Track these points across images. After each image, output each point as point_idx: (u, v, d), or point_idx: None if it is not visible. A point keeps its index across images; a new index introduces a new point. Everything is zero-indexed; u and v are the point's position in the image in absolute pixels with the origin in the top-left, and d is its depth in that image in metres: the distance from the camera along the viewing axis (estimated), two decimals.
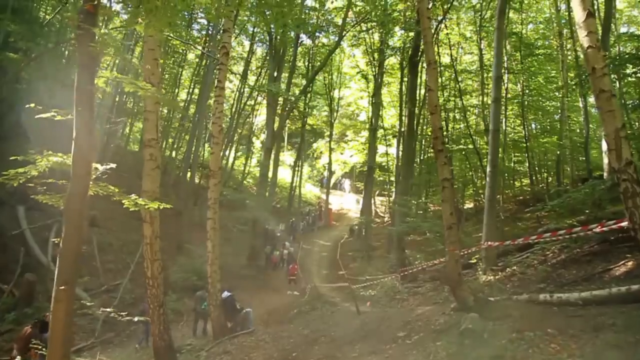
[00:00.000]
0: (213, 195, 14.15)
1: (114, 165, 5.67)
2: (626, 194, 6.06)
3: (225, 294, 14.58)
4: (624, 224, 8.31)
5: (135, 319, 12.01)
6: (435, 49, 29.02)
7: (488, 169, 14.58)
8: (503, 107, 28.80)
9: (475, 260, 14.68)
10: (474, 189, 30.61)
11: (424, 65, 29.31)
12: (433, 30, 24.06)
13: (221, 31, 16.87)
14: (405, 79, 30.02)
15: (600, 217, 12.04)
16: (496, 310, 7.77)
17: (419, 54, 21.52)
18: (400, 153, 30.37)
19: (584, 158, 28.28)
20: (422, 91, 30.34)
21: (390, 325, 9.91)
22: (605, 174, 20.66)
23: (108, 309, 13.54)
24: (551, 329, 6.49)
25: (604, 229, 8.11)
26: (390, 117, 38.28)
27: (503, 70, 21.81)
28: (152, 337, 10.10)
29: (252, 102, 39.09)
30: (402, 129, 30.53)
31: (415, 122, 25.17)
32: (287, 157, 46.90)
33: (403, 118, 30.51)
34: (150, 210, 9.82)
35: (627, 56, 14.67)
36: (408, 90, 24.23)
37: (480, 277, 13.51)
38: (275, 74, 26.28)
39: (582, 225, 11.13)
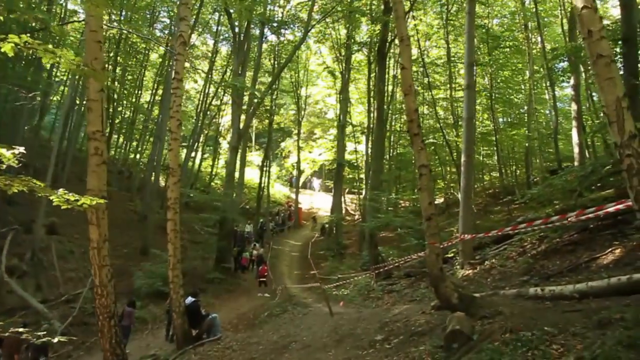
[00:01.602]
0: (173, 195, 13.02)
1: (22, 149, 4.56)
2: (630, 171, 5.24)
3: (189, 299, 13.48)
4: (621, 206, 7.62)
5: None
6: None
7: (463, 159, 13.83)
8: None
9: (452, 255, 13.91)
10: (444, 183, 30.07)
11: (393, 57, 29.56)
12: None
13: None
14: (373, 75, 29.49)
15: (580, 205, 11.36)
16: (483, 307, 6.91)
17: (387, 45, 20.79)
18: (370, 149, 29.80)
19: (552, 150, 28.05)
20: (390, 87, 29.94)
21: (367, 327, 9.01)
22: (576, 164, 20.28)
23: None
24: (549, 327, 5.66)
25: (600, 213, 7.31)
26: (359, 113, 37.67)
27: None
28: (103, 352, 8.94)
29: (218, 102, 37.90)
30: (371, 125, 29.89)
31: (384, 115, 24.35)
32: (255, 157, 45.75)
33: (372, 114, 29.90)
34: (97, 211, 8.75)
35: None
36: (377, 83, 23.44)
37: (457, 271, 12.74)
38: (240, 70, 25.17)
39: (559, 215, 10.48)
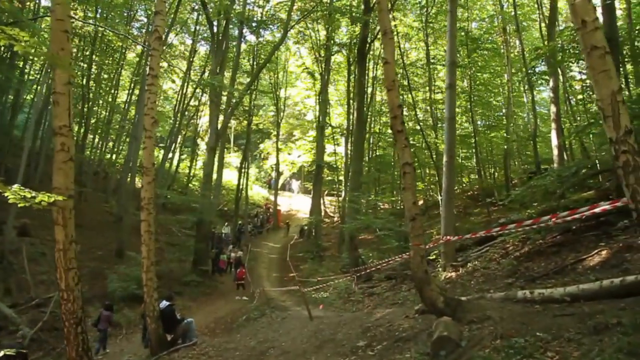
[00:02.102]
0: (147, 195, 12.48)
1: None
2: (626, 169, 4.95)
3: (164, 303, 12.92)
4: (609, 206, 7.36)
5: None
6: (380, 46, 28.32)
7: (444, 159, 13.56)
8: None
9: (433, 257, 13.61)
10: (424, 185, 29.89)
11: (373, 59, 29.36)
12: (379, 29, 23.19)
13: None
14: (353, 77, 29.30)
15: (563, 207, 11.16)
16: (471, 312, 6.57)
17: (368, 45, 20.48)
18: (349, 151, 29.59)
19: (530, 152, 28.10)
20: (370, 89, 29.69)
21: (348, 332, 8.62)
22: (555, 166, 20.22)
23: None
24: (542, 333, 5.33)
25: (595, 210, 7.01)
26: (338, 115, 37.41)
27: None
28: None
29: (196, 103, 37.24)
30: (351, 127, 29.69)
31: (364, 116, 24.04)
32: (234, 158, 45.15)
33: (351, 116, 29.69)
34: (64, 210, 8.20)
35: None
36: (356, 83, 23.13)
37: (440, 274, 12.44)
38: (218, 70, 24.61)
39: (541, 216, 10.24)
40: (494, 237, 13.38)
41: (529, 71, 21.44)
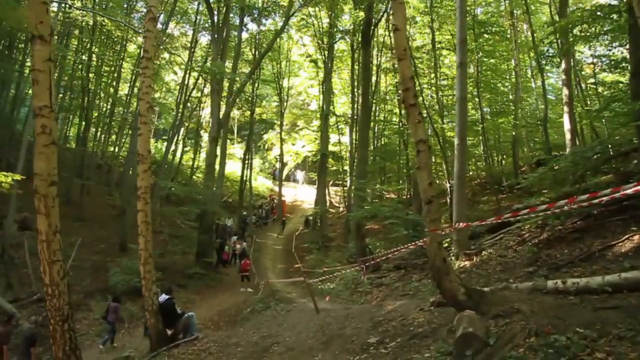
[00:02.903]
0: (143, 184, 11.72)
1: None
2: None
3: (163, 297, 12.23)
4: None
5: None
6: (384, 32, 27.46)
7: (456, 142, 12.69)
8: None
9: (445, 245, 12.73)
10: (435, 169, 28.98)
11: (376, 46, 28.43)
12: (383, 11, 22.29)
13: None
14: (356, 65, 28.50)
15: (584, 191, 10.30)
16: (496, 304, 5.77)
17: (372, 28, 19.59)
18: (355, 139, 28.85)
19: (538, 139, 27.18)
20: (374, 78, 28.78)
21: (357, 326, 7.85)
22: (567, 151, 19.31)
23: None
24: (583, 329, 4.53)
25: (629, 192, 6.13)
26: (342, 104, 36.53)
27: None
28: None
29: (199, 94, 36.38)
30: (355, 116, 28.88)
31: (369, 102, 23.13)
32: (238, 149, 44.28)
33: (356, 104, 28.90)
34: (46, 198, 7.42)
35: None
36: (361, 68, 22.22)
37: (453, 262, 11.61)
38: (219, 58, 23.76)
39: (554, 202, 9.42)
40: (508, 224, 12.58)
41: (544, 49, 20.39)
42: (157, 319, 11.51)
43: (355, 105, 29.22)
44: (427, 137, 6.57)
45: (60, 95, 29.50)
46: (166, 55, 34.48)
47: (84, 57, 28.85)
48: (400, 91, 27.30)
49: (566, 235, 10.04)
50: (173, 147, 35.53)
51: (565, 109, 18.89)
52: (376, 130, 31.92)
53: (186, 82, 33.72)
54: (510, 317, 5.35)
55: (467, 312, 5.49)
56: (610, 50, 18.70)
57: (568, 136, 18.84)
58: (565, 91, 18.90)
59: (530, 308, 5.44)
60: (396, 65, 28.51)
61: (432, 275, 6.32)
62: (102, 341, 13.94)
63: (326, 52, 29.42)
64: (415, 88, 6.75)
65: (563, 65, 18.98)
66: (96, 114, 32.68)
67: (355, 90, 29.15)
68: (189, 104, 35.77)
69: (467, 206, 13.45)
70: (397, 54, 6.80)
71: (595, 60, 22.21)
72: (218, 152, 25.15)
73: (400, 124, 28.13)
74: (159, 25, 29.18)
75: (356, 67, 29.03)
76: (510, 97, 27.65)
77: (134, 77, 33.72)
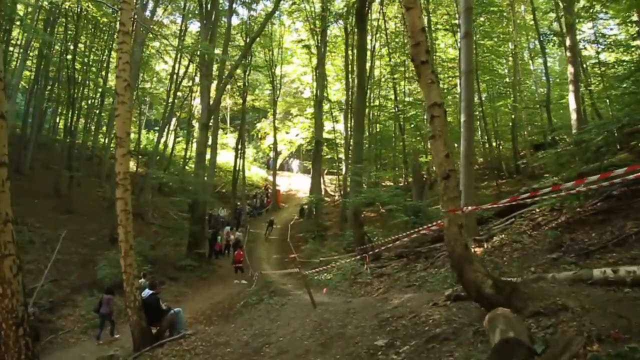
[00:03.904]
0: (122, 169, 10.57)
1: None
2: None
3: (147, 292, 11.05)
4: None
5: None
6: (379, 15, 26.22)
7: (462, 119, 11.48)
8: (456, 70, 26.23)
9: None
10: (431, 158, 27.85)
11: (371, 28, 27.07)
12: None
13: None
14: (350, 50, 27.31)
15: (604, 169, 9.14)
16: (533, 299, 4.60)
17: (367, 5, 18.28)
18: (349, 126, 27.75)
19: (538, 122, 26.08)
20: (368, 64, 27.48)
21: (360, 324, 6.68)
22: (574, 132, 18.18)
23: None
24: None
25: None
26: (336, 91, 35.28)
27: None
28: None
29: (190, 83, 35.00)
30: (350, 101, 27.72)
31: (365, 84, 21.88)
32: (231, 139, 42.99)
33: (350, 90, 27.74)
34: None
35: None
36: (357, 47, 20.91)
37: None
38: (209, 41, 22.43)
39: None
40: (518, 208, 11.42)
41: (545, 28, 19.20)
42: (140, 316, 10.40)
43: (350, 91, 28.07)
44: (443, 99, 5.34)
45: (49, 87, 28.28)
46: (156, 44, 33.31)
47: (70, 45, 27.43)
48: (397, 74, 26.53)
49: (588, 218, 8.89)
50: (165, 138, 34.35)
51: (571, 87, 17.73)
52: (371, 117, 30.76)
53: (176, 70, 32.35)
54: (555, 315, 4.19)
55: (500, 310, 4.31)
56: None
57: (574, 116, 17.68)
58: (570, 69, 17.73)
59: (580, 304, 4.28)
60: (391, 50, 27.55)
61: (452, 264, 5.17)
62: (96, 334, 13.26)
63: (319, 37, 28.15)
64: (427, 43, 5.54)
65: (568, 42, 17.82)
66: (86, 105, 31.37)
67: (350, 75, 27.97)
68: (180, 93, 34.50)
69: (474, 187, 12.23)
70: (405, 2, 5.59)
71: (598, 38, 20.99)
72: (210, 140, 23.94)
73: (396, 108, 26.93)
74: (147, 13, 27.89)
75: (350, 52, 27.88)
76: (507, 80, 26.51)
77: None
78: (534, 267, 7.54)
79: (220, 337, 9.79)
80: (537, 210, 11.02)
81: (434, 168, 25.72)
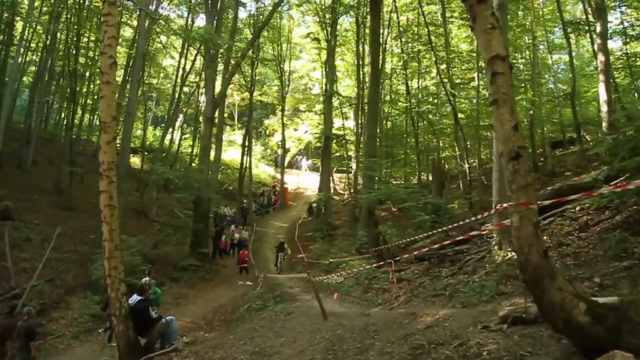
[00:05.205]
0: (107, 159, 9.09)
1: None
2: None
3: (134, 298, 9.52)
4: None
5: None
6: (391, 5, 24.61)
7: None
8: (472, 64, 24.64)
9: (486, 231, 9.91)
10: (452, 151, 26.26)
11: (383, 17, 25.45)
12: None
13: None
14: (361, 46, 25.85)
15: None
16: None
17: None
18: (360, 122, 26.39)
19: (557, 119, 24.36)
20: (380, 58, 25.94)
21: (386, 349, 5.10)
22: (604, 126, 16.48)
23: None
24: None
25: None
26: (346, 87, 33.74)
27: None
28: None
29: (197, 79, 33.57)
30: (361, 95, 26.23)
31: (379, 73, 20.29)
32: (238, 136, 41.50)
33: (361, 84, 26.26)
34: None
35: None
36: (370, 32, 19.24)
37: (496, 254, 8.80)
38: (214, 30, 20.95)
39: None
40: (555, 207, 9.74)
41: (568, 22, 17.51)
42: (127, 326, 8.93)
43: (361, 86, 26.54)
44: (507, 50, 3.75)
45: (54, 82, 27.00)
46: (163, 38, 31.98)
47: (73, 37, 26.08)
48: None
49: None
50: (172, 134, 33.07)
51: (601, 77, 16.08)
52: (381, 114, 29.23)
53: (183, 65, 30.94)
54: None
55: (619, 355, 2.72)
56: None
57: (604, 108, 16.01)
58: (600, 57, 16.08)
59: None
60: (404, 40, 25.93)
61: (525, 279, 3.58)
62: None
63: (329, 29, 26.59)
64: None
65: (598, 28, 16.14)
66: (91, 101, 30.08)
67: (361, 70, 26.43)
68: (186, 88, 33.12)
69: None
70: None
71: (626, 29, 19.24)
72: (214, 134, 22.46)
73: (409, 103, 25.32)
74: (151, 7, 26.51)
75: (361, 46, 26.39)
76: (526, 74, 24.78)
77: (131, 61, 31.07)
78: (599, 278, 5.92)
79: (216, 353, 8.32)
80: (575, 208, 9.39)
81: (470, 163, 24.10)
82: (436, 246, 9.00)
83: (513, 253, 8.58)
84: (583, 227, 8.42)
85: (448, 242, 9.15)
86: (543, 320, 4.06)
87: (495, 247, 8.88)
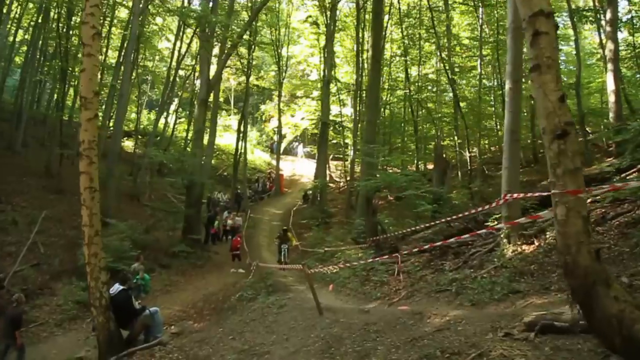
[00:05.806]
0: (87, 137, 8.41)
1: None
2: None
3: (116, 287, 8.83)
4: None
5: None
6: None
7: (507, 86, 9.14)
8: (474, 51, 23.93)
9: (492, 222, 9.20)
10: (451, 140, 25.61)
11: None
12: None
13: None
14: (362, 32, 25.02)
15: None
16: None
17: None
18: (358, 109, 25.56)
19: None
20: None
21: (389, 355, 4.42)
22: (611, 116, 15.84)
23: None
24: None
25: None
26: (344, 74, 32.88)
27: None
28: None
29: (193, 62, 32.61)
30: (360, 81, 25.43)
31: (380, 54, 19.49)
32: (234, 121, 40.58)
33: (360, 70, 25.43)
34: None
35: None
36: (372, 15, 18.38)
37: (505, 248, 8.11)
38: (211, 10, 20.04)
39: None
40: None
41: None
42: (107, 317, 8.29)
43: (360, 72, 25.72)
44: (551, 7, 2.98)
45: (47, 62, 26.02)
46: (159, 19, 30.99)
47: (64, 15, 25.09)
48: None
49: None
50: (167, 118, 32.20)
51: (610, 66, 15.40)
52: (380, 101, 28.51)
53: (178, 48, 29.99)
54: None
55: None
56: None
57: (612, 98, 15.39)
58: (610, 45, 15.39)
59: None
60: (405, 24, 25.10)
61: (572, 284, 2.88)
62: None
63: (329, 13, 25.71)
64: None
65: (608, 15, 15.43)
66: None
67: (360, 56, 25.58)
68: (182, 72, 32.14)
69: (519, 170, 9.87)
70: None
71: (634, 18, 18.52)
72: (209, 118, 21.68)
73: (408, 90, 24.58)
74: None
75: (361, 31, 25.51)
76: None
77: (126, 43, 30.12)
78: (628, 278, 5.26)
79: (202, 349, 7.65)
80: (589, 202, 8.71)
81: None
82: (452, 240, 8.22)
83: (524, 247, 7.92)
84: (600, 221, 7.75)
85: (467, 235, 8.39)
86: (581, 331, 3.39)
87: (504, 240, 8.19)
